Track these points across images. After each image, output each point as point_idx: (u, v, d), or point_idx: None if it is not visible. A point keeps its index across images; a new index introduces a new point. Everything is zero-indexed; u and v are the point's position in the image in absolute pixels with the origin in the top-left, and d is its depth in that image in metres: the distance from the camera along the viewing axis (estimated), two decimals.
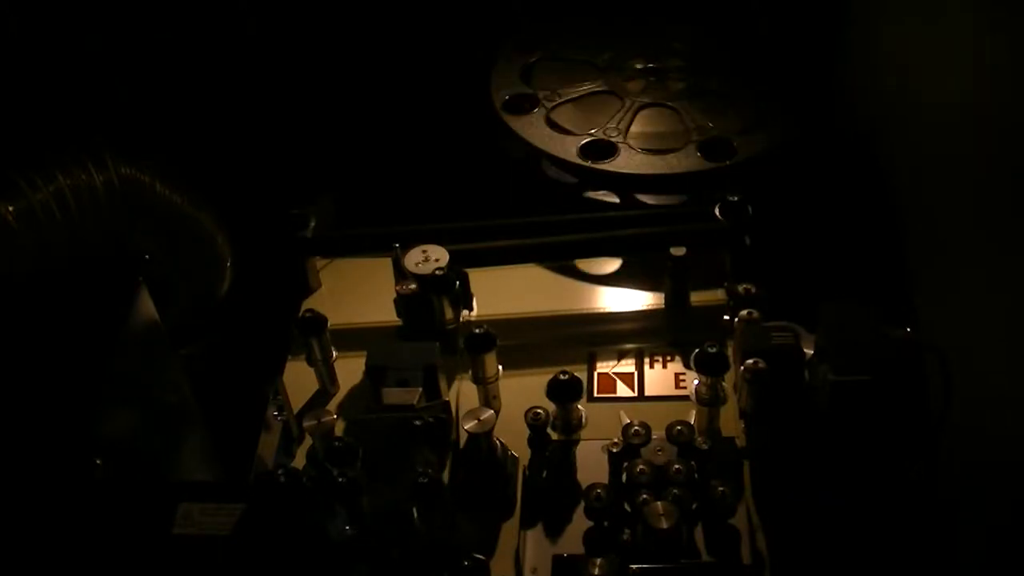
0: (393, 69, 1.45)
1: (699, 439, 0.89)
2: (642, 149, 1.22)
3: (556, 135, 1.26)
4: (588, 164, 1.21)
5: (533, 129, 1.27)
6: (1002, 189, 0.92)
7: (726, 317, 1.00)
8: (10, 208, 0.93)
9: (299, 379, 1.04)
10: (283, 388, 1.01)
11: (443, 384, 0.99)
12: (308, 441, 0.96)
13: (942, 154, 1.07)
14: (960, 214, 1.02)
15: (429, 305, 1.04)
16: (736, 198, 1.08)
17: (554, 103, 1.30)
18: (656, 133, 1.25)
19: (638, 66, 1.34)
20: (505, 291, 1.11)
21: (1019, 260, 0.88)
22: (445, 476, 0.94)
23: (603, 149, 1.23)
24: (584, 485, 0.88)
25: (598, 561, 0.82)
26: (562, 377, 0.94)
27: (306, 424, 0.94)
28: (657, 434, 0.90)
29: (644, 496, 0.85)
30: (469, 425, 0.91)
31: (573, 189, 1.24)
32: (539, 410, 0.93)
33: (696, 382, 0.96)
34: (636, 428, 0.91)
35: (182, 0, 1.30)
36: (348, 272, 1.15)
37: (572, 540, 0.88)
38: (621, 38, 1.39)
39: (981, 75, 0.96)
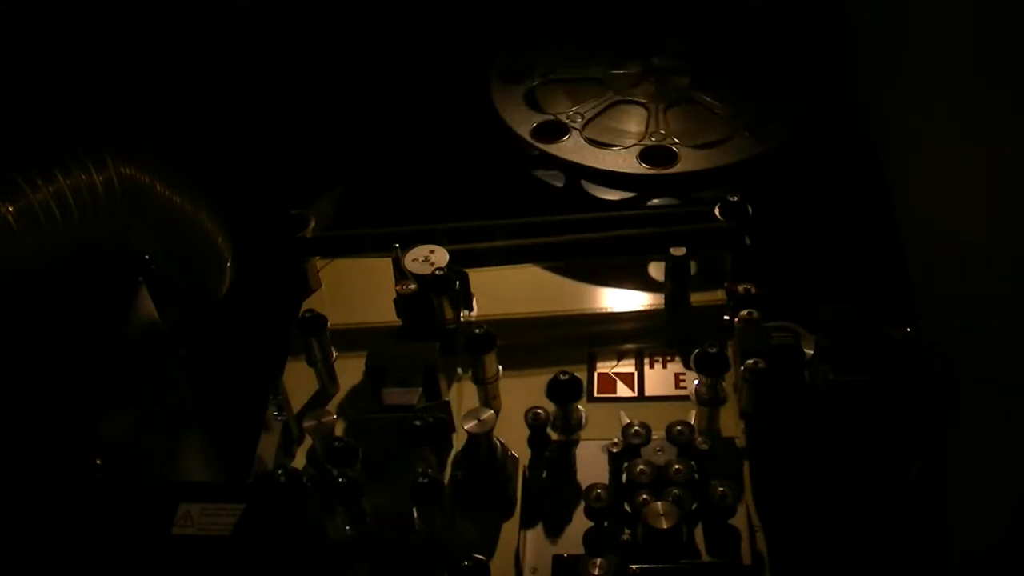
0: (393, 69, 1.45)
1: (699, 439, 0.89)
2: (590, 140, 1.23)
3: (528, 112, 1.27)
4: (533, 142, 1.23)
5: (510, 103, 1.28)
6: (1002, 187, 0.92)
7: (726, 317, 1.00)
8: (10, 208, 0.93)
9: (299, 379, 1.04)
10: (283, 388, 1.01)
11: (443, 384, 0.99)
12: (308, 441, 0.96)
13: (942, 153, 1.07)
14: (960, 213, 1.02)
15: (429, 305, 1.04)
16: (736, 198, 1.08)
17: (539, 82, 1.31)
18: (616, 128, 1.26)
19: (638, 65, 1.34)
20: (505, 291, 1.11)
21: (1020, 259, 0.88)
22: (445, 476, 0.94)
23: (555, 131, 1.24)
24: (584, 485, 0.88)
25: (598, 561, 0.82)
26: (562, 377, 0.94)
27: (306, 424, 0.94)
28: (657, 434, 0.90)
29: (644, 496, 0.85)
30: (469, 425, 0.91)
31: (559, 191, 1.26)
32: (539, 410, 0.93)
33: (696, 382, 0.96)
34: (636, 428, 0.91)
35: None
36: (348, 272, 1.15)
37: (572, 540, 0.88)
38: (621, 38, 1.39)
39: (982, 72, 0.96)
